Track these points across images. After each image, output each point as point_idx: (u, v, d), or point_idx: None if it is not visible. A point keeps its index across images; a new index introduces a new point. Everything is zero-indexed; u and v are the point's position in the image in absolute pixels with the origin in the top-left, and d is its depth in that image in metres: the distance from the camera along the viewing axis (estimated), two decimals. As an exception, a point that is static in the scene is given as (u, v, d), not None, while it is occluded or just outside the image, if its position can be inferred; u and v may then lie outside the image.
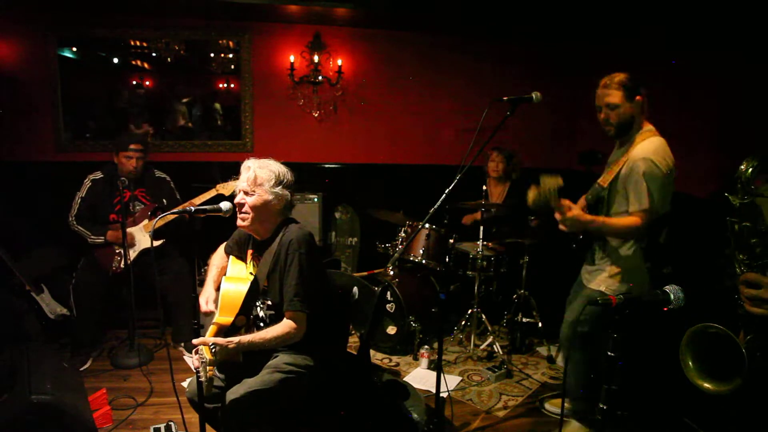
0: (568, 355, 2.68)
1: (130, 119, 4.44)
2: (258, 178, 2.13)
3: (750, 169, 1.56)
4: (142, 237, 3.41)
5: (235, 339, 1.98)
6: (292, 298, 2.07)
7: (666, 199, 2.27)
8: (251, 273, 2.27)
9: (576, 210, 2.24)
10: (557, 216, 2.27)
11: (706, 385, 1.59)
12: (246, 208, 2.14)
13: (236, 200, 2.15)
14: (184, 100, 4.55)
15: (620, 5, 3.69)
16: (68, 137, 4.31)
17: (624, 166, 2.29)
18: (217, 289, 2.33)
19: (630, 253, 2.35)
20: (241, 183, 2.15)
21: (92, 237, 3.35)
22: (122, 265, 3.31)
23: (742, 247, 1.58)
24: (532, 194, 2.29)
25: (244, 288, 2.18)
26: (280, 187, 2.16)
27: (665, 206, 2.28)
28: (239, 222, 2.19)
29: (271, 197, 2.14)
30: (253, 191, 2.13)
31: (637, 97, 2.28)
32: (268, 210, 2.17)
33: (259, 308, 2.23)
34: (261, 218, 2.17)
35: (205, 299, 2.29)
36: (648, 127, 2.33)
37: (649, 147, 2.24)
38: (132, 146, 3.36)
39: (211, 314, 2.23)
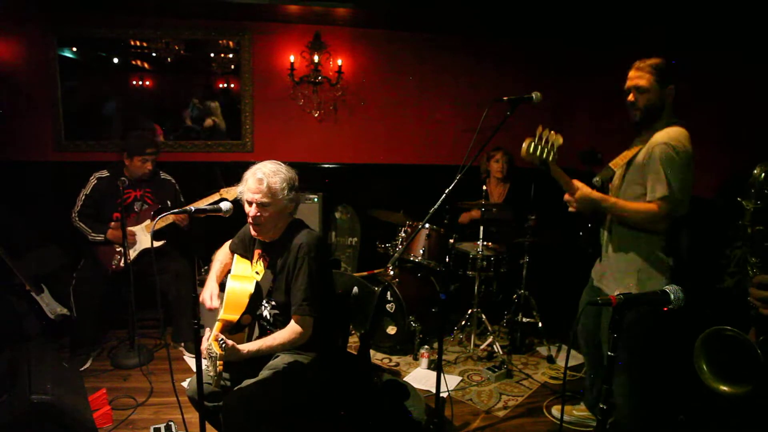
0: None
1: (135, 119, 4.44)
2: (272, 188, 2.09)
3: (763, 174, 1.58)
4: (143, 237, 3.41)
5: (244, 349, 1.98)
6: (301, 302, 2.07)
7: (686, 186, 2.14)
8: (257, 272, 2.27)
9: (584, 188, 2.17)
10: (566, 197, 2.19)
11: (723, 388, 1.60)
12: (262, 221, 2.11)
13: (251, 213, 2.11)
14: (195, 101, 4.53)
15: (621, 5, 3.69)
16: (68, 137, 4.31)
17: (640, 152, 2.21)
18: (220, 285, 2.33)
19: (648, 248, 2.23)
20: (252, 194, 2.09)
21: (93, 234, 3.35)
22: (122, 264, 3.31)
23: (755, 251, 1.58)
24: (526, 143, 2.09)
25: (249, 287, 2.18)
26: (293, 192, 2.15)
27: (686, 193, 2.14)
28: (253, 233, 2.18)
29: (285, 204, 2.14)
30: (269, 203, 2.09)
31: (669, 87, 2.18)
32: (283, 215, 2.17)
33: (264, 308, 2.24)
34: (275, 224, 2.17)
35: (209, 295, 2.28)
36: (675, 119, 2.22)
37: (669, 133, 2.14)
38: (148, 150, 3.37)
39: (214, 311, 2.23)
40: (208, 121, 4.55)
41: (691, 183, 2.17)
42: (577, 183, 2.22)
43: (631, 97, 2.24)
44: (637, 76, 2.21)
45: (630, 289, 2.24)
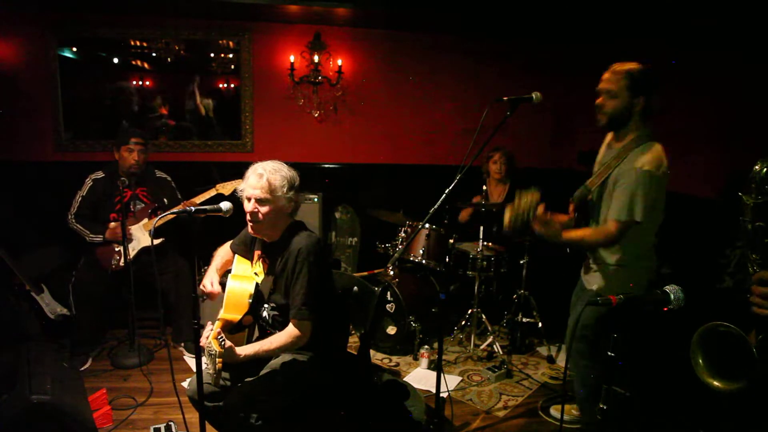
0: (573, 359, 2.49)
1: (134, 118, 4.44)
2: (272, 185, 2.08)
3: (765, 169, 1.55)
4: (141, 235, 3.40)
5: (241, 353, 1.98)
6: (300, 307, 2.07)
7: (654, 209, 2.12)
8: (256, 273, 2.27)
9: (556, 224, 2.17)
10: (536, 226, 2.18)
11: (716, 383, 1.59)
12: (260, 217, 2.10)
13: (248, 209, 2.11)
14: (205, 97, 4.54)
15: (621, 5, 3.68)
16: (68, 137, 4.31)
17: (615, 170, 2.17)
18: (221, 283, 2.33)
19: (636, 248, 2.22)
20: (252, 190, 2.09)
21: (90, 236, 3.35)
22: (122, 263, 3.31)
23: (756, 247, 1.56)
24: (507, 215, 2.17)
25: (249, 287, 2.19)
26: (293, 192, 2.14)
27: (653, 217, 2.14)
28: (251, 231, 2.18)
29: (284, 202, 2.13)
30: (268, 199, 2.08)
31: (640, 97, 2.14)
32: (281, 215, 2.16)
33: (264, 309, 2.24)
34: (273, 223, 2.16)
35: (210, 281, 2.28)
36: (647, 131, 2.18)
37: (646, 157, 2.09)
38: (133, 139, 3.37)
39: (214, 297, 2.24)
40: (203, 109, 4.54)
41: (662, 205, 2.16)
42: (547, 217, 2.21)
43: (599, 100, 2.23)
44: (610, 80, 2.19)
45: (617, 290, 2.23)
